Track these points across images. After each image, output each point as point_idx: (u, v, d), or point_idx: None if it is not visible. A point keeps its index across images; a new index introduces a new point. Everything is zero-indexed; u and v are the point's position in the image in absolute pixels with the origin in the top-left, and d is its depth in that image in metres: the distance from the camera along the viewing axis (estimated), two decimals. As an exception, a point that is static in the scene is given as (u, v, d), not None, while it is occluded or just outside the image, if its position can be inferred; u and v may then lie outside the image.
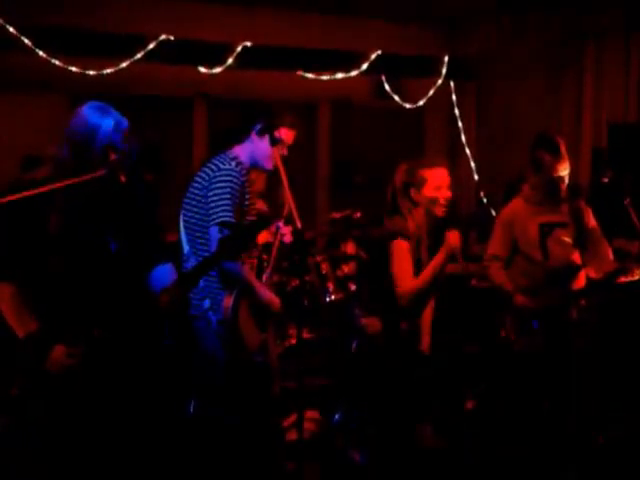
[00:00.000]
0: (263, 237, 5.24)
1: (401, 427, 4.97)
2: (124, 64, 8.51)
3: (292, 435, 5.05)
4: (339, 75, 9.69)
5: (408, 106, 10.41)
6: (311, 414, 5.69)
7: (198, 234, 4.46)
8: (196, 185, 4.49)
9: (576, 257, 5.38)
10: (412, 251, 4.95)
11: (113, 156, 3.62)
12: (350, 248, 6.82)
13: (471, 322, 6.43)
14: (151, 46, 8.53)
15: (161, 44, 8.57)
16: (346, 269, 6.65)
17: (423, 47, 10.26)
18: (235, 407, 4.46)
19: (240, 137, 4.61)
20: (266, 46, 9.13)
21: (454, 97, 10.59)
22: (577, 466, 5.11)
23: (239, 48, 8.96)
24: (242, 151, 4.58)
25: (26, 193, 3.34)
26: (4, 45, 7.93)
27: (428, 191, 4.96)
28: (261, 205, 5.56)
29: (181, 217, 4.56)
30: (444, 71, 10.23)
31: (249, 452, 4.53)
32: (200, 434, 4.61)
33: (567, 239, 5.35)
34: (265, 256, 4.86)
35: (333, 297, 6.35)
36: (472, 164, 10.35)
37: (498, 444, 5.41)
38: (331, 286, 6.38)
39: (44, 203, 3.48)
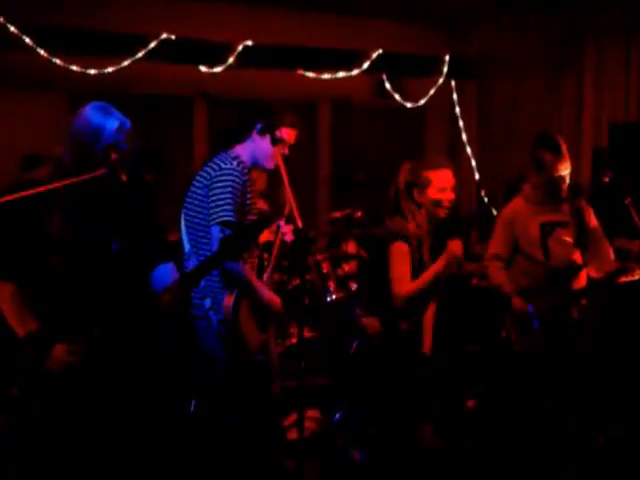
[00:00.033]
0: (264, 236, 5.24)
1: (401, 427, 4.97)
2: (125, 63, 8.51)
3: (292, 434, 5.05)
4: (340, 74, 9.68)
5: (409, 105, 10.41)
6: (311, 413, 5.69)
7: (199, 233, 4.46)
8: (197, 184, 4.49)
9: (577, 257, 5.38)
10: (412, 253, 4.95)
11: (114, 156, 3.62)
12: (351, 247, 6.82)
13: (472, 322, 6.43)
14: (152, 45, 8.52)
15: (162, 43, 8.56)
16: (347, 268, 6.65)
17: (424, 46, 10.26)
18: (235, 407, 4.46)
19: (241, 136, 4.61)
20: (267, 45, 9.12)
21: (455, 96, 10.59)
22: (577, 466, 5.11)
23: (240, 47, 8.95)
24: (243, 150, 4.58)
25: (26, 192, 3.33)
26: (5, 44, 7.93)
27: (432, 193, 4.95)
28: (262, 204, 5.56)
29: (182, 216, 4.56)
30: (445, 70, 10.23)
31: (249, 452, 4.53)
32: (200, 434, 4.61)
33: (568, 239, 5.35)
34: (266, 255, 4.86)
35: (334, 296, 6.35)
36: (473, 163, 10.35)
37: (498, 444, 5.41)
38: (332, 285, 6.39)
39: (45, 203, 3.48)
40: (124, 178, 3.64)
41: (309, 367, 5.57)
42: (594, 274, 5.40)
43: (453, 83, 10.54)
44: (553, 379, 5.21)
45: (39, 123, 8.17)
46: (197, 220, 4.46)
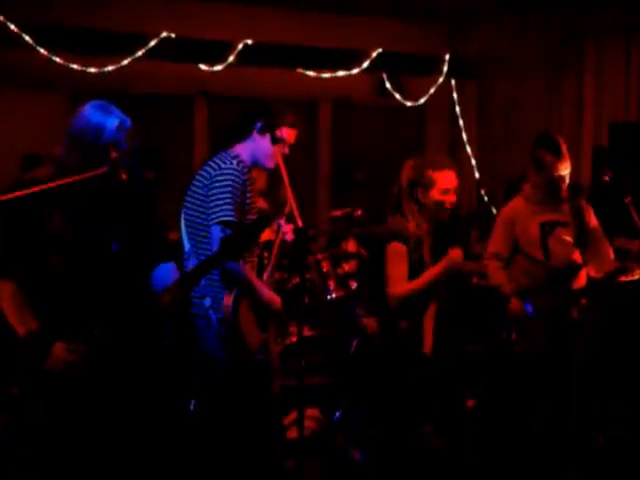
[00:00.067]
0: (264, 235, 5.24)
1: (401, 427, 4.97)
2: (125, 62, 8.52)
3: (292, 433, 5.05)
4: (340, 73, 9.69)
5: (409, 104, 10.41)
6: (311, 412, 5.69)
7: (199, 233, 4.46)
8: (197, 184, 4.48)
9: (577, 256, 5.38)
10: (410, 253, 4.91)
11: (114, 154, 3.62)
12: (351, 246, 6.82)
13: (472, 321, 6.43)
14: (152, 44, 8.53)
15: (162, 42, 8.57)
16: (347, 267, 6.65)
17: (424, 45, 10.26)
18: (235, 406, 4.46)
19: (241, 136, 4.60)
20: (267, 44, 9.13)
21: (455, 95, 10.59)
22: (577, 466, 5.11)
23: (240, 46, 8.96)
24: (243, 150, 4.58)
25: (27, 191, 3.33)
26: (5, 42, 7.93)
27: (435, 194, 4.91)
28: (262, 203, 5.55)
29: (182, 216, 4.56)
30: (445, 69, 10.23)
31: (249, 451, 4.53)
32: (200, 434, 4.61)
33: (568, 238, 5.34)
34: (266, 254, 4.86)
35: (334, 295, 6.35)
36: (473, 162, 10.36)
37: (498, 444, 5.41)
38: (332, 284, 6.38)
39: (45, 202, 3.47)
40: (124, 177, 3.63)
41: (309, 366, 5.58)
42: (594, 274, 5.40)
43: (453, 82, 10.55)
44: (553, 379, 5.21)
45: (39, 122, 8.18)
46: (197, 220, 4.46)
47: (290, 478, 4.82)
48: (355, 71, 9.69)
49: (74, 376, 3.49)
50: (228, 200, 4.33)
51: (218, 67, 9.02)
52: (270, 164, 4.62)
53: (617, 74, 8.70)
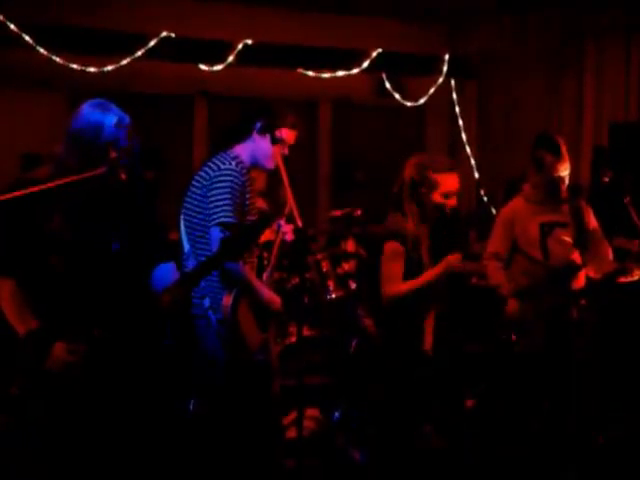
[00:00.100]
0: (264, 235, 5.23)
1: (401, 427, 4.97)
2: (125, 62, 8.52)
3: (292, 433, 5.05)
4: (340, 73, 9.69)
5: (409, 104, 10.42)
6: (311, 412, 5.70)
7: (198, 234, 4.45)
8: (196, 185, 4.48)
9: (576, 257, 5.38)
10: (407, 253, 4.88)
11: (113, 154, 3.61)
12: (350, 246, 6.83)
13: (472, 321, 6.43)
14: (152, 44, 8.53)
15: (162, 42, 8.58)
16: (346, 267, 6.66)
17: (424, 45, 10.27)
18: (235, 406, 4.46)
19: (241, 136, 4.60)
20: (267, 44, 9.13)
21: (455, 96, 10.60)
22: (577, 466, 5.11)
23: (240, 46, 8.96)
24: (243, 150, 4.57)
25: (27, 191, 3.33)
26: (5, 42, 7.94)
27: (437, 197, 4.87)
28: (261, 203, 5.56)
29: (181, 216, 4.55)
30: (445, 69, 10.24)
31: (249, 451, 4.53)
32: (200, 434, 4.61)
33: (567, 239, 5.34)
34: (265, 254, 4.86)
35: (333, 295, 6.35)
36: (472, 162, 10.36)
37: (498, 444, 5.42)
38: (331, 284, 6.38)
39: (45, 202, 3.47)
40: (124, 177, 3.63)
41: (309, 366, 5.58)
42: (593, 274, 5.40)
43: (453, 82, 10.55)
44: (553, 379, 5.20)
45: (39, 122, 8.19)
46: (196, 220, 4.46)
47: (290, 478, 4.82)
48: (355, 71, 9.70)
49: (74, 376, 3.48)
50: (227, 201, 4.33)
51: (218, 67, 9.02)
52: (270, 165, 4.61)
53: (617, 74, 8.71)
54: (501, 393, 5.53)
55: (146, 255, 3.80)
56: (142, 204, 3.87)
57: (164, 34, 8.58)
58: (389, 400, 4.98)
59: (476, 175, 10.32)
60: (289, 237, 4.70)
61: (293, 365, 5.07)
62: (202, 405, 4.66)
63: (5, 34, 7.87)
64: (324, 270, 6.40)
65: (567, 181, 5.33)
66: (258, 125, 4.56)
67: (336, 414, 5.81)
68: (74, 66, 8.40)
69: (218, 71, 9.06)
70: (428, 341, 5.08)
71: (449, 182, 4.89)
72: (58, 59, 8.27)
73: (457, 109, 10.58)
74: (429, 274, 4.87)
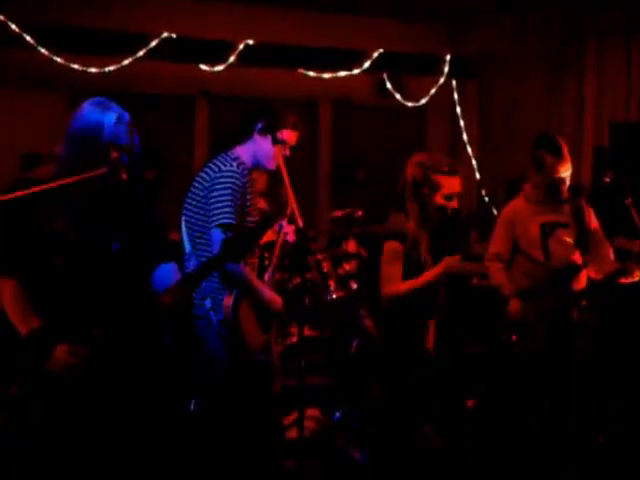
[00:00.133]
0: (267, 236, 5.24)
1: (401, 427, 4.97)
2: (126, 62, 8.53)
3: (293, 433, 5.05)
4: (341, 73, 9.70)
5: (410, 105, 10.42)
6: (312, 412, 5.70)
7: (199, 235, 4.46)
8: (197, 186, 4.48)
9: (577, 257, 5.37)
10: (407, 253, 4.87)
11: (114, 154, 3.61)
12: (351, 246, 6.83)
13: (472, 322, 6.43)
14: (153, 44, 8.54)
15: (163, 42, 8.58)
16: (347, 267, 6.66)
17: (425, 45, 10.26)
18: (235, 406, 4.47)
19: (242, 137, 4.60)
20: (268, 44, 9.14)
21: (456, 96, 10.59)
22: (577, 466, 5.11)
23: (241, 46, 8.97)
24: (244, 151, 4.57)
25: (27, 191, 3.33)
26: (6, 42, 7.95)
27: (438, 198, 4.85)
28: (262, 204, 5.56)
29: (182, 217, 4.56)
30: (446, 70, 10.24)
31: (249, 451, 4.53)
32: (200, 434, 4.61)
33: (568, 239, 5.34)
34: (266, 254, 4.86)
35: (334, 295, 6.35)
36: (473, 163, 10.36)
37: (498, 444, 5.42)
38: (332, 284, 6.39)
39: (45, 202, 3.47)
40: (124, 177, 3.62)
41: (309, 366, 5.58)
42: (594, 275, 5.40)
43: (454, 83, 10.55)
44: (553, 379, 5.20)
45: (39, 122, 8.19)
46: (197, 221, 4.46)
47: (290, 478, 4.82)
48: (356, 71, 9.70)
49: (74, 377, 3.48)
50: (228, 203, 4.33)
51: (219, 67, 9.03)
52: (271, 165, 4.61)
53: (617, 74, 8.70)
54: (501, 393, 5.53)
55: (146, 255, 3.80)
56: (142, 204, 3.86)
57: (165, 34, 8.58)
58: (389, 400, 4.98)
59: (477, 175, 10.32)
60: (291, 238, 4.71)
61: (294, 365, 5.07)
62: (203, 405, 4.67)
63: (6, 34, 7.87)
64: (325, 270, 6.40)
65: (568, 182, 5.32)
66: (259, 126, 4.56)
67: (337, 414, 5.81)
68: (75, 66, 8.41)
69: (219, 71, 9.07)
70: (430, 341, 5.07)
71: (451, 184, 4.87)
72: (59, 59, 8.27)
73: (458, 109, 10.58)
74: (428, 274, 4.85)
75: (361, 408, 5.70)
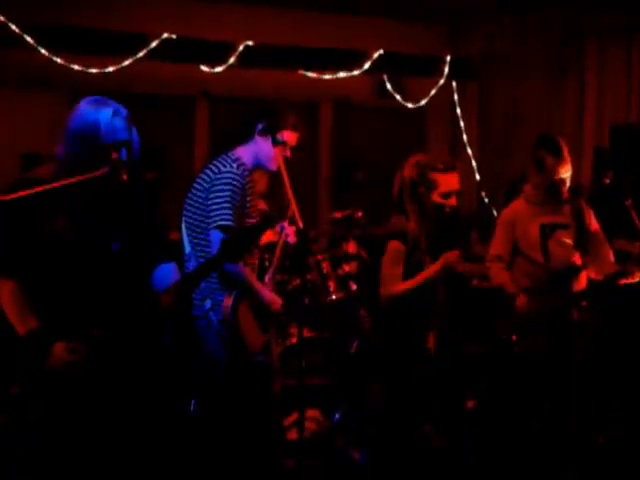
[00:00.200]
0: (266, 237, 5.25)
1: (401, 427, 4.97)
2: (126, 62, 8.52)
3: (293, 434, 5.06)
4: (341, 74, 9.69)
5: (410, 106, 10.42)
6: (312, 413, 5.70)
7: (199, 235, 4.46)
8: (197, 187, 4.48)
9: (577, 259, 5.37)
10: (409, 253, 4.88)
11: (115, 154, 3.61)
12: (351, 247, 6.82)
13: (472, 322, 6.43)
14: (153, 44, 8.54)
15: (163, 43, 8.58)
16: (347, 268, 6.65)
17: (425, 46, 10.26)
18: (235, 406, 4.47)
19: (242, 138, 4.60)
20: (268, 45, 9.14)
21: (456, 97, 10.59)
22: (577, 466, 5.11)
23: (241, 47, 8.97)
24: (245, 152, 4.56)
25: (27, 191, 3.33)
26: (6, 43, 7.94)
27: (436, 197, 4.86)
28: (262, 205, 5.56)
29: (183, 218, 4.56)
30: (446, 71, 10.23)
31: (249, 451, 4.53)
32: (200, 434, 4.62)
33: (568, 240, 5.34)
34: (267, 255, 4.86)
35: (334, 296, 6.35)
36: (474, 164, 10.36)
37: (498, 444, 5.42)
38: (332, 285, 6.39)
39: (45, 202, 3.47)
40: (125, 178, 3.62)
41: (309, 367, 5.58)
42: (594, 276, 5.40)
43: (454, 84, 10.55)
44: (553, 379, 5.20)
45: (39, 122, 8.17)
46: (197, 222, 4.46)
47: (290, 478, 4.83)
48: (356, 72, 9.70)
49: (74, 376, 3.48)
50: (227, 204, 4.33)
51: (219, 68, 9.03)
52: (273, 166, 4.61)
53: (618, 75, 8.70)
54: (501, 393, 5.53)
55: (146, 255, 3.80)
56: (143, 204, 3.86)
57: (165, 35, 8.58)
58: (389, 400, 4.98)
59: (477, 176, 10.32)
60: (292, 239, 4.71)
61: (294, 366, 5.07)
62: (202, 405, 4.67)
63: (6, 35, 7.87)
64: (325, 271, 6.40)
65: (569, 182, 5.32)
66: (259, 127, 4.55)
67: (336, 415, 5.81)
68: (75, 67, 8.41)
69: (219, 72, 9.06)
70: (430, 340, 5.07)
71: (448, 182, 4.88)
72: (59, 60, 8.27)
73: (458, 110, 10.58)
74: (427, 272, 4.86)
75: (361, 409, 5.70)
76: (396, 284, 4.84)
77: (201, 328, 4.47)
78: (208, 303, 4.42)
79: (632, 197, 5.24)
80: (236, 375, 4.46)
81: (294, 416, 5.22)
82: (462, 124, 10.53)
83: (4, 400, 3.47)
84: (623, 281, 5.20)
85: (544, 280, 5.25)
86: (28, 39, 7.97)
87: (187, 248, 4.52)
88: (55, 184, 3.39)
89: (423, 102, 10.43)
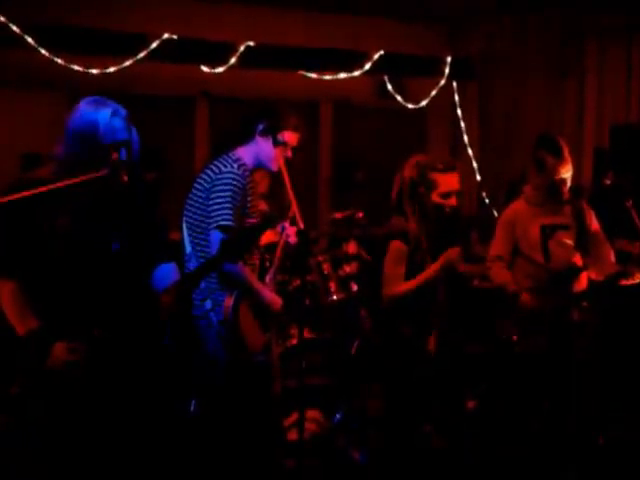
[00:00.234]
0: (268, 238, 5.24)
1: (401, 427, 4.97)
2: (127, 63, 8.52)
3: (293, 435, 5.06)
4: (341, 75, 9.69)
5: (410, 106, 10.42)
6: (312, 414, 5.70)
7: (199, 235, 4.46)
8: (198, 187, 4.48)
9: (577, 259, 5.37)
10: (411, 253, 4.88)
11: (115, 155, 3.61)
12: (352, 248, 6.82)
13: (473, 322, 6.43)
14: (154, 45, 8.53)
15: (164, 43, 8.57)
16: (348, 269, 6.65)
17: (426, 47, 10.26)
18: (235, 407, 4.47)
19: (243, 138, 4.60)
20: (269, 46, 9.13)
21: (456, 97, 10.59)
22: (577, 466, 5.11)
23: (242, 47, 8.96)
24: (246, 152, 4.56)
25: (29, 192, 3.33)
26: (7, 43, 7.94)
27: (435, 197, 4.86)
28: (263, 206, 5.56)
29: (183, 218, 4.56)
30: (447, 71, 10.23)
31: (249, 451, 4.54)
32: (200, 434, 4.62)
33: (569, 241, 5.34)
34: (267, 256, 4.86)
35: (335, 297, 6.35)
36: (474, 165, 10.35)
37: (498, 444, 5.42)
38: (333, 286, 6.39)
39: (46, 202, 3.47)
40: (125, 179, 3.62)
41: (310, 367, 5.59)
42: (595, 277, 5.40)
43: (455, 84, 10.55)
44: (554, 379, 5.20)
45: (40, 122, 8.18)
46: (198, 222, 4.46)
47: (290, 478, 4.83)
48: (356, 73, 9.69)
49: (74, 376, 3.49)
50: (227, 204, 4.33)
51: (220, 69, 9.02)
52: (274, 167, 4.61)
53: (618, 75, 8.69)
54: (502, 393, 5.53)
55: (146, 256, 3.80)
56: (142, 205, 3.86)
57: (166, 36, 8.58)
58: (390, 400, 4.98)
59: (478, 177, 10.31)
60: (293, 239, 4.71)
61: (294, 367, 5.08)
62: (202, 405, 4.67)
63: (7, 35, 7.87)
64: (325, 272, 6.40)
65: (569, 183, 5.32)
66: (260, 127, 4.55)
67: (337, 415, 5.81)
68: (76, 67, 8.41)
69: (220, 72, 9.06)
70: (431, 342, 5.07)
71: (448, 182, 4.87)
72: (60, 60, 8.27)
73: (459, 111, 10.58)
74: (429, 271, 4.86)
75: (361, 409, 5.70)
76: (399, 284, 4.83)
77: (201, 328, 4.47)
78: (209, 303, 4.42)
79: (632, 197, 5.24)
80: (236, 375, 4.46)
81: (294, 417, 5.22)
82: (463, 125, 10.52)
83: (4, 400, 3.47)
84: (624, 282, 5.20)
85: (545, 281, 5.25)
86: (29, 39, 7.97)
87: (188, 248, 4.52)
88: (55, 184, 3.39)
89: (424, 103, 10.43)
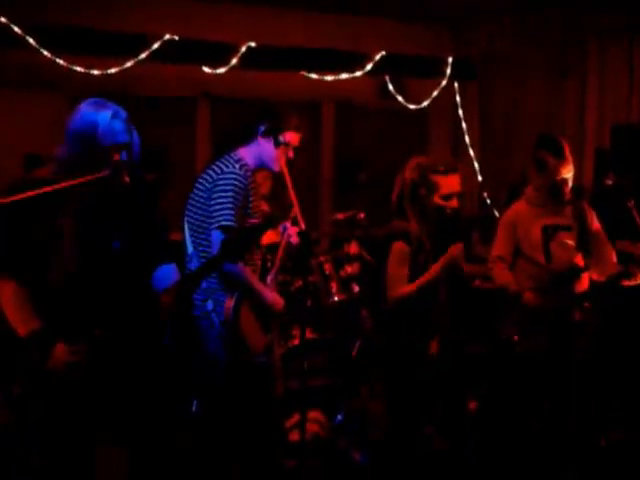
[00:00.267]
0: (269, 238, 5.24)
1: (403, 428, 4.97)
2: (128, 64, 8.52)
3: (294, 436, 5.05)
4: (343, 76, 9.69)
5: (412, 107, 10.41)
6: (314, 415, 5.70)
7: (201, 236, 4.46)
8: (200, 187, 4.48)
9: (579, 260, 5.37)
10: (413, 254, 4.87)
11: (116, 156, 3.62)
12: (353, 249, 6.82)
13: (474, 323, 6.43)
14: (155, 46, 8.53)
15: (165, 44, 8.57)
16: (349, 270, 6.65)
17: (427, 48, 10.25)
18: (235, 407, 4.47)
19: (245, 139, 4.60)
20: (270, 46, 9.13)
21: (458, 98, 10.58)
22: (577, 466, 5.11)
23: (243, 48, 8.96)
24: (247, 153, 4.57)
25: (29, 192, 3.33)
26: (9, 44, 7.94)
27: (437, 199, 4.85)
28: (264, 207, 5.56)
29: (185, 218, 4.56)
30: (448, 72, 10.23)
31: (250, 451, 4.54)
32: (202, 434, 4.62)
33: (570, 242, 5.33)
34: (269, 256, 4.86)
35: (336, 298, 6.35)
36: (475, 165, 10.35)
37: (500, 445, 5.41)
38: (334, 287, 6.38)
39: (47, 202, 3.47)
40: (127, 179, 3.63)
41: (311, 368, 5.58)
42: (596, 277, 5.40)
43: (456, 85, 10.54)
44: (554, 380, 5.20)
45: (41, 122, 8.18)
46: (199, 222, 4.46)
47: (291, 478, 4.83)
48: (358, 73, 9.69)
49: (75, 376, 3.49)
50: (229, 205, 4.33)
51: (221, 69, 9.02)
52: (276, 167, 4.62)
53: (619, 75, 8.67)
54: (503, 393, 5.52)
55: (147, 256, 3.80)
56: (143, 205, 3.87)
57: (167, 36, 8.58)
58: (391, 401, 4.98)
59: (479, 178, 10.31)
60: (294, 240, 4.71)
61: (296, 367, 5.07)
62: (203, 406, 4.67)
63: (9, 36, 7.86)
64: (327, 273, 6.40)
65: (571, 183, 5.31)
66: (262, 128, 4.56)
67: (338, 416, 5.81)
68: (77, 68, 8.41)
69: (221, 73, 9.06)
70: (434, 345, 5.05)
71: (449, 184, 4.86)
72: (61, 61, 8.27)
73: (460, 112, 10.57)
74: (432, 270, 4.84)
75: (363, 410, 5.70)
76: (402, 285, 4.83)
77: (203, 329, 4.47)
78: (210, 304, 4.42)
79: (634, 198, 5.23)
80: (238, 376, 4.46)
81: (296, 417, 5.21)
82: (464, 125, 10.52)
83: (6, 400, 3.48)
84: (625, 282, 5.20)
85: (546, 281, 5.25)
86: (30, 40, 7.97)
87: (189, 248, 4.52)
88: (57, 185, 3.39)
89: (425, 103, 10.43)
